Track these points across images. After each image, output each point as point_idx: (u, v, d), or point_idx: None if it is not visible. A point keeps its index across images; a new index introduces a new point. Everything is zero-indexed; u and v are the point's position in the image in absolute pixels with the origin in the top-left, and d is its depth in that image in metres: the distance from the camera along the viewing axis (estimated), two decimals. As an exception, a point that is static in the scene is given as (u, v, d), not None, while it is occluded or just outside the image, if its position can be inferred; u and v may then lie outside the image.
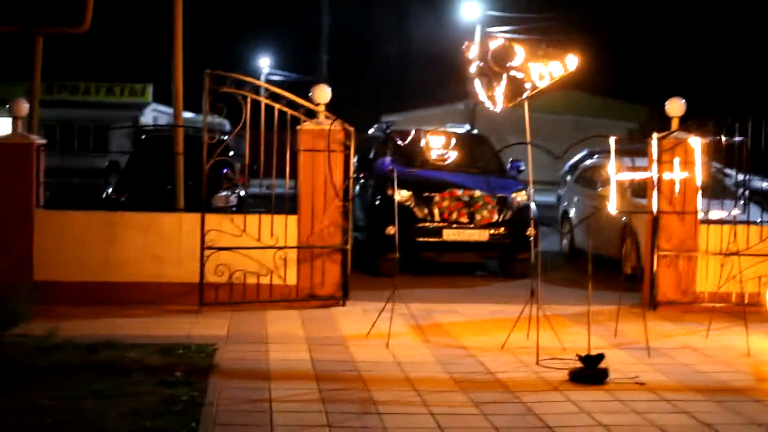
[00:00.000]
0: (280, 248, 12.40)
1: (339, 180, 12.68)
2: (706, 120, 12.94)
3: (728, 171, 15.40)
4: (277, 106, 12.44)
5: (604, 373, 9.12)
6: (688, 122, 13.18)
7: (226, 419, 7.53)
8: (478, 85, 11.04)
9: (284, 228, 12.48)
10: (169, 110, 47.32)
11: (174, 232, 12.43)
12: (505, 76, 10.61)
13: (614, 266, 16.23)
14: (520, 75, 10.58)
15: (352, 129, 12.88)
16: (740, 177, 13.37)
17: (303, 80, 49.14)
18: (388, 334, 10.63)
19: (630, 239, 15.68)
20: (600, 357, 9.20)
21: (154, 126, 31.91)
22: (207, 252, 12.02)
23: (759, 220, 13.38)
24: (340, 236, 12.71)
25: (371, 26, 56.07)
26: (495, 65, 10.61)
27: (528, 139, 10.79)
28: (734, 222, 12.85)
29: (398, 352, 10.07)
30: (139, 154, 18.05)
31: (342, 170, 12.77)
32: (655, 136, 12.85)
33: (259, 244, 12.29)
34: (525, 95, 10.71)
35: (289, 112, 12.49)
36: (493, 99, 10.76)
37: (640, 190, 15.59)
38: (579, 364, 9.20)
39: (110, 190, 17.47)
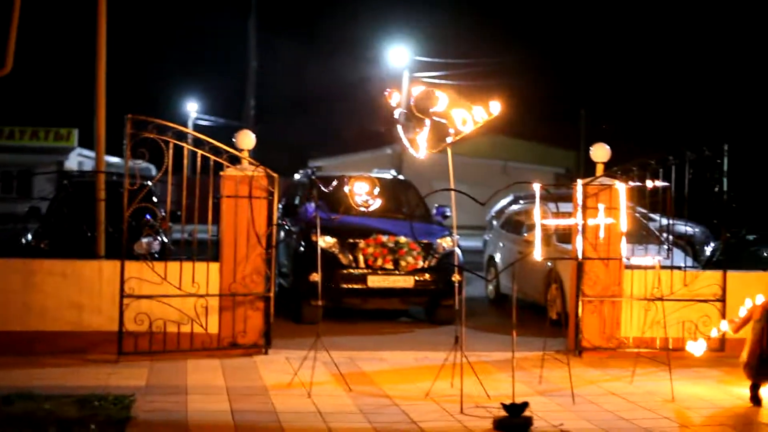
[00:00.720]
0: (201, 296, 12.19)
1: (262, 227, 12.53)
2: (630, 165, 12.99)
3: (652, 215, 15.51)
4: (200, 151, 12.28)
5: (528, 421, 9.06)
6: (612, 168, 13.24)
7: (142, 474, 7.33)
8: (401, 131, 11.01)
9: (206, 275, 12.28)
10: (95, 155, 46.93)
11: (94, 280, 12.18)
12: (428, 121, 10.58)
13: (540, 311, 16.23)
14: (443, 121, 10.56)
15: (276, 175, 12.76)
16: (664, 222, 13.42)
17: (230, 125, 49.01)
18: (310, 383, 10.47)
19: (555, 284, 15.69)
20: (524, 405, 9.12)
21: (78, 171, 31.49)
22: (126, 300, 11.78)
23: (682, 265, 13.44)
24: (262, 283, 12.55)
25: (299, 71, 56.16)
26: (417, 111, 10.58)
27: (452, 184, 10.74)
28: (658, 267, 12.88)
29: (321, 402, 9.91)
30: (61, 200, 17.75)
31: (265, 217, 12.63)
32: (579, 181, 12.88)
33: (180, 292, 12.07)
34: (448, 141, 10.68)
35: (212, 158, 12.34)
36: (416, 145, 10.71)
37: (565, 235, 15.65)
38: (503, 413, 9.12)
39: (30, 237, 17.14)
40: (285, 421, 9.11)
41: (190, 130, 12.88)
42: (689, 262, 15.17)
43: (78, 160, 48.33)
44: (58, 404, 9.17)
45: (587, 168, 14.18)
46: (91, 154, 48.32)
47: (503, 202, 22.90)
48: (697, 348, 11.29)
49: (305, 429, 8.85)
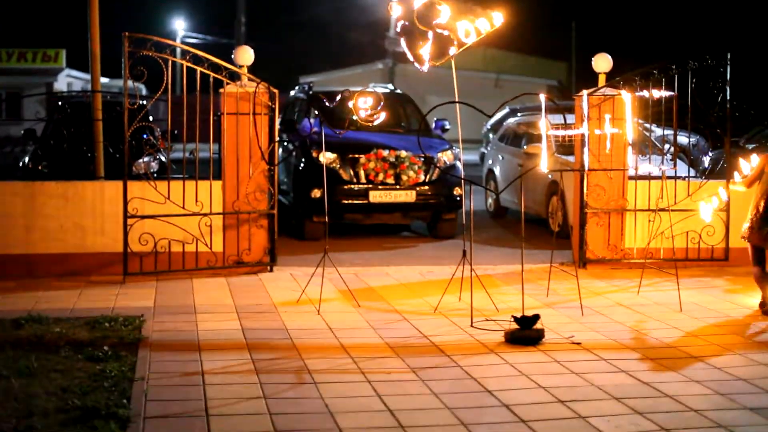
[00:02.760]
0: (205, 215, 12.13)
1: (265, 143, 12.43)
2: (632, 75, 12.88)
3: (650, 126, 15.41)
4: (199, 69, 12.13)
5: (540, 333, 9.05)
6: (613, 78, 13.12)
7: (158, 394, 7.30)
8: (404, 44, 10.87)
9: (209, 194, 12.20)
10: (84, 75, 46.56)
11: (96, 201, 12.11)
12: (430, 34, 10.45)
13: (541, 224, 16.26)
14: (445, 33, 10.43)
15: (276, 91, 12.63)
16: (666, 132, 13.33)
17: (219, 43, 48.60)
18: (319, 300, 10.45)
19: (556, 197, 15.66)
20: (536, 317, 9.11)
21: (70, 92, 31.19)
22: (130, 221, 11.71)
23: (686, 175, 13.39)
24: (266, 201, 12.50)
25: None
26: (420, 24, 10.45)
27: (456, 97, 10.63)
28: (664, 178, 12.84)
29: (330, 318, 9.90)
30: (56, 122, 17.57)
31: (267, 133, 12.52)
32: (585, 92, 12.77)
33: (183, 211, 12.01)
34: (452, 53, 10.56)
35: (212, 75, 12.19)
36: (420, 58, 10.59)
37: (565, 147, 15.59)
38: (514, 326, 9.11)
39: (27, 159, 17.02)
40: (296, 338, 9.09)
41: (188, 47, 12.67)
42: (691, 172, 15.11)
43: (67, 81, 47.97)
44: (68, 327, 9.14)
45: (579, 80, 14.03)
46: (80, 75, 48.10)
47: (500, 114, 22.81)
48: (705, 213, 11.25)
49: (317, 346, 8.84)
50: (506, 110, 23.45)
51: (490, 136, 22.46)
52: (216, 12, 57.63)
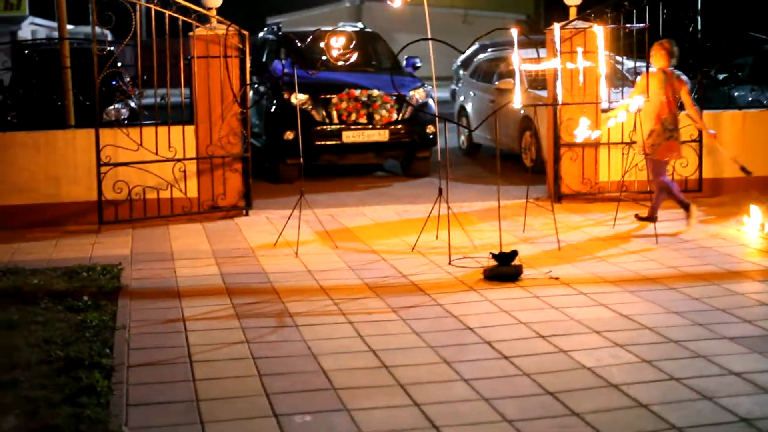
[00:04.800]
0: (178, 160, 12.07)
1: (237, 86, 12.34)
2: (603, 7, 12.83)
3: (622, 59, 15.38)
4: (167, 12, 11.99)
5: (519, 269, 9.08)
6: (585, 11, 13.07)
7: (141, 342, 7.30)
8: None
9: (182, 139, 12.12)
10: (48, 23, 45.96)
11: (68, 150, 11.99)
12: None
13: (514, 159, 16.25)
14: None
15: (246, 33, 12.52)
16: (638, 64, 13.30)
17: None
18: (296, 243, 10.44)
19: (530, 132, 15.65)
20: (513, 253, 9.14)
21: (35, 40, 30.78)
22: (104, 169, 11.63)
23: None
24: (240, 145, 12.44)
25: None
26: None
27: (429, 34, 10.57)
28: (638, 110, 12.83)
29: (308, 261, 9.90)
30: (23, 71, 17.34)
31: (238, 76, 12.43)
32: (556, 25, 12.70)
33: (157, 158, 11.93)
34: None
35: (181, 18, 12.06)
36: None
37: (537, 81, 15.54)
38: (492, 262, 9.14)
39: (-6, 110, 16.81)
40: (276, 281, 9.10)
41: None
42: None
43: (31, 29, 47.29)
44: (46, 277, 9.09)
45: (548, 14, 13.95)
46: (44, 22, 47.43)
47: (469, 51, 22.67)
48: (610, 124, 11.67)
49: (297, 288, 8.84)
50: (476, 46, 23.31)
51: (461, 72, 22.36)
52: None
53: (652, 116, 11.15)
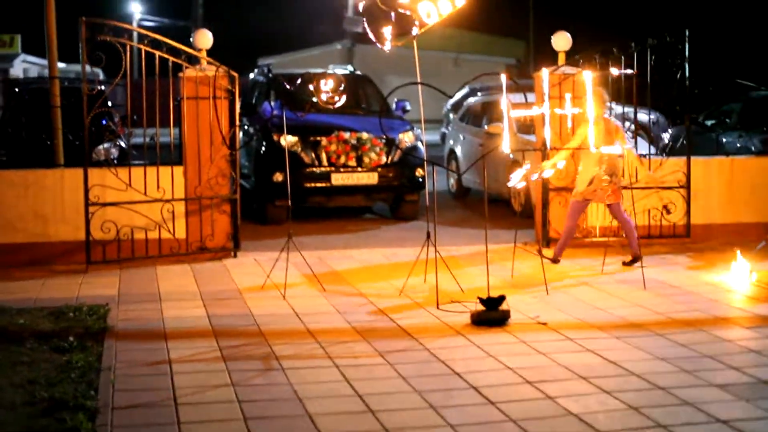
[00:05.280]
0: (167, 201, 12.06)
1: (226, 128, 12.36)
2: (592, 53, 12.90)
3: (611, 104, 15.44)
4: (158, 53, 12.03)
5: (506, 314, 9.07)
6: (573, 56, 13.14)
7: (126, 384, 7.25)
8: (366, 24, 10.83)
9: (171, 180, 12.12)
10: (40, 61, 46.07)
11: (57, 189, 12.00)
12: (392, 14, 10.43)
13: (503, 204, 16.27)
14: (407, 13, 10.41)
15: (236, 75, 12.56)
16: (627, 110, 13.37)
17: (177, 25, 48.19)
18: (284, 285, 10.42)
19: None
20: (501, 298, 9.13)
21: (26, 78, 30.88)
22: (92, 208, 11.62)
23: (646, 153, 13.43)
24: (228, 186, 12.45)
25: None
26: (382, 4, 10.43)
27: (418, 78, 10.62)
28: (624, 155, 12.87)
29: (296, 303, 9.88)
30: (14, 108, 17.37)
31: (228, 117, 12.45)
32: (545, 70, 12.74)
33: (145, 198, 11.93)
34: (414, 33, 10.54)
35: (171, 59, 12.10)
36: (382, 38, 10.57)
37: (526, 126, 15.59)
38: (480, 307, 9.12)
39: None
40: (263, 323, 9.07)
41: (146, 31, 12.55)
42: (652, 150, 15.16)
43: (23, 66, 47.44)
44: (32, 317, 9.06)
45: (538, 58, 14.02)
46: (36, 60, 47.59)
47: (459, 94, 22.79)
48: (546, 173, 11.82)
49: (284, 331, 8.81)
50: (466, 90, 23.40)
51: (451, 116, 22.45)
52: (174, -5, 57.17)
53: (592, 163, 11.49)
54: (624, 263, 11.73)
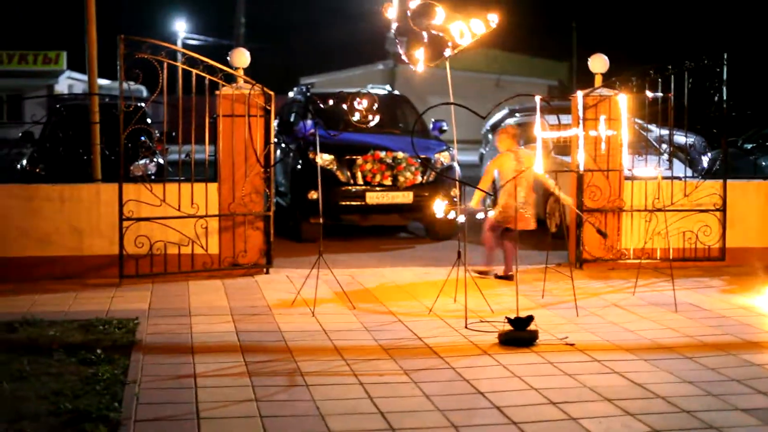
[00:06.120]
0: (201, 217, 12.13)
1: (260, 145, 12.43)
2: (629, 75, 12.88)
3: (649, 126, 15.40)
4: (194, 71, 12.13)
5: (534, 335, 9.04)
6: (611, 78, 13.12)
7: (150, 397, 7.30)
8: (398, 45, 10.88)
9: (205, 196, 12.20)
10: (85, 78, 46.63)
11: (92, 204, 12.11)
12: (425, 35, 10.45)
13: (539, 224, 16.19)
14: (440, 34, 10.43)
15: (272, 93, 12.63)
16: (663, 132, 13.33)
17: (220, 44, 48.58)
18: (313, 302, 10.46)
19: (553, 197, 15.62)
20: (529, 319, 9.10)
21: (69, 95, 31.21)
22: (126, 223, 11.71)
23: (683, 175, 13.37)
24: (262, 203, 12.49)
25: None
26: (414, 25, 10.45)
27: (451, 98, 10.62)
28: (660, 178, 12.82)
29: (325, 320, 9.90)
30: (54, 124, 17.58)
31: (263, 135, 12.52)
32: (579, 93, 12.76)
33: (179, 214, 12.01)
34: (446, 54, 10.56)
35: (207, 77, 12.19)
36: (414, 59, 10.60)
37: (562, 147, 15.57)
38: (508, 327, 9.10)
39: (25, 162, 17.03)
40: (290, 340, 9.09)
41: (183, 49, 12.66)
42: (688, 172, 15.08)
43: (68, 83, 47.99)
44: (62, 329, 9.15)
45: (580, 79, 14.01)
46: (81, 77, 48.05)
47: (498, 115, 22.76)
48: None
49: (311, 348, 8.84)
50: (506, 111, 23.38)
51: (490, 136, 22.42)
52: (218, 13, 57.62)
53: (507, 193, 11.96)
54: (496, 275, 12.18)
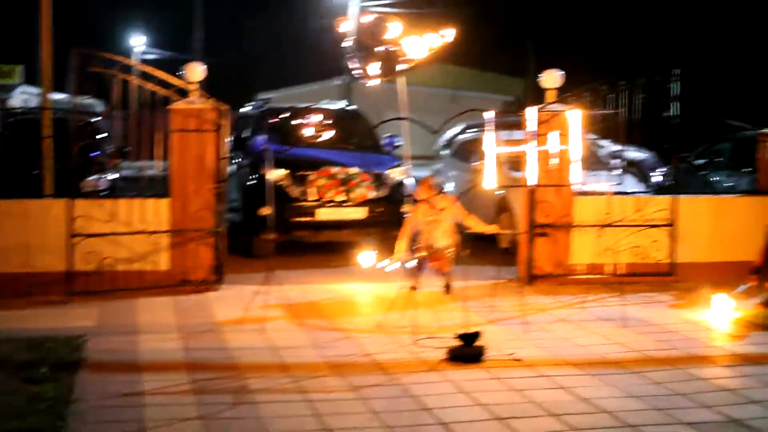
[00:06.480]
0: (151, 233, 12.07)
1: (212, 161, 12.38)
2: (581, 91, 12.96)
3: (601, 142, 15.51)
4: (148, 85, 12.09)
5: (482, 350, 9.06)
6: (564, 94, 13.19)
7: (96, 416, 7.25)
8: (353, 60, 10.90)
9: (156, 212, 12.14)
10: (40, 92, 46.22)
11: (42, 219, 11.99)
12: (379, 50, 10.49)
13: (491, 240, 16.24)
14: (394, 49, 10.46)
15: (226, 107, 12.58)
16: (613, 148, 13.43)
17: (178, 58, 48.35)
18: (263, 318, 10.43)
19: (506, 213, 15.68)
20: (476, 334, 9.13)
21: (21, 108, 30.96)
22: (75, 239, 11.64)
23: (634, 190, 13.46)
24: (213, 219, 12.43)
25: (246, 2, 55.52)
26: (368, 40, 10.48)
27: (404, 114, 10.66)
28: (610, 194, 12.92)
29: (274, 337, 9.87)
30: (5, 138, 17.43)
31: (215, 151, 12.46)
32: (532, 109, 12.79)
33: (130, 230, 11.95)
34: (400, 69, 10.59)
35: (161, 91, 12.15)
36: (367, 74, 10.63)
37: (516, 163, 15.61)
38: (457, 342, 9.12)
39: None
40: (238, 357, 9.06)
41: (138, 63, 12.61)
42: (640, 187, 15.22)
43: (23, 97, 47.55)
44: (8, 348, 9.05)
45: (536, 95, 14.07)
46: (37, 91, 47.75)
47: (454, 131, 22.81)
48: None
49: (259, 365, 8.81)
50: (461, 126, 23.45)
51: (444, 152, 22.47)
52: (176, 28, 57.42)
53: (423, 239, 12.08)
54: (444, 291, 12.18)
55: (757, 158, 14.23)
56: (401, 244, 12.08)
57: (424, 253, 12.11)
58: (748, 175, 17.63)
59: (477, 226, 12.32)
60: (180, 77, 12.40)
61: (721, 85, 34.13)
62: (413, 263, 12.09)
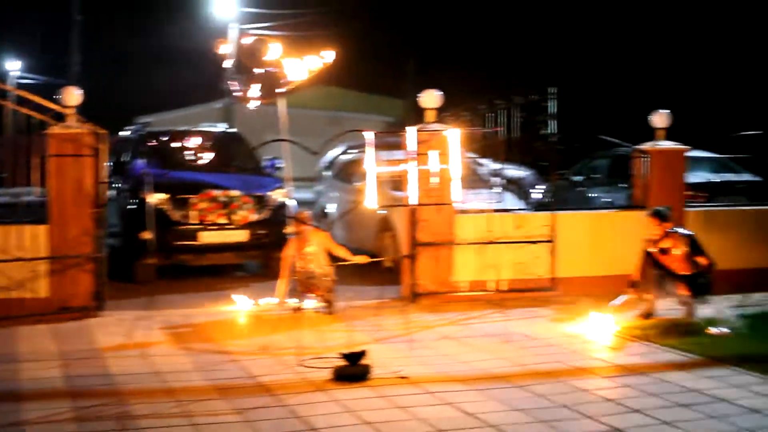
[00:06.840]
0: (29, 260, 11.84)
1: (90, 186, 12.19)
2: (460, 111, 13.09)
3: (481, 160, 15.68)
4: (24, 110, 11.87)
5: (367, 369, 9.07)
6: (444, 114, 13.31)
7: (-28, 447, 7.09)
8: (231, 83, 10.87)
9: (34, 238, 11.91)
10: None
11: None
12: (259, 72, 10.48)
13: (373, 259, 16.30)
14: (275, 71, 10.46)
15: (104, 132, 12.41)
16: (495, 166, 13.59)
17: (55, 83, 47.62)
18: (145, 344, 10.29)
19: (389, 232, 15.75)
20: (362, 353, 9.14)
21: None
22: (-51, 268, 11.37)
23: (514, 208, 13.64)
24: (92, 244, 12.23)
25: (124, 25, 54.98)
26: (248, 62, 10.47)
27: (285, 135, 10.65)
28: (491, 211, 13.06)
29: (157, 362, 9.74)
30: None
31: (93, 175, 12.27)
32: (412, 129, 12.89)
33: (7, 257, 11.70)
34: (280, 91, 10.59)
35: (37, 116, 11.94)
36: (248, 96, 10.61)
37: (397, 183, 15.69)
38: (342, 362, 9.12)
39: None
40: (121, 383, 8.92)
41: (12, 88, 12.38)
42: (520, 204, 15.41)
43: None
44: None
45: (417, 116, 14.16)
46: None
47: (335, 152, 22.84)
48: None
49: (143, 390, 8.68)
50: (342, 147, 23.50)
51: (326, 173, 22.48)
52: (51, 52, 56.52)
53: (301, 272, 12.30)
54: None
55: (632, 174, 14.52)
56: (281, 285, 12.28)
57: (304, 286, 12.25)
58: (625, 191, 18.00)
59: (346, 256, 12.39)
60: (57, 102, 12.21)
61: (597, 103, 34.85)
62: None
